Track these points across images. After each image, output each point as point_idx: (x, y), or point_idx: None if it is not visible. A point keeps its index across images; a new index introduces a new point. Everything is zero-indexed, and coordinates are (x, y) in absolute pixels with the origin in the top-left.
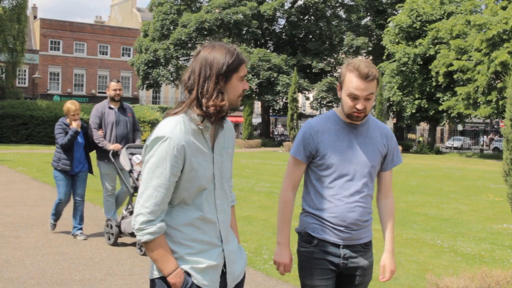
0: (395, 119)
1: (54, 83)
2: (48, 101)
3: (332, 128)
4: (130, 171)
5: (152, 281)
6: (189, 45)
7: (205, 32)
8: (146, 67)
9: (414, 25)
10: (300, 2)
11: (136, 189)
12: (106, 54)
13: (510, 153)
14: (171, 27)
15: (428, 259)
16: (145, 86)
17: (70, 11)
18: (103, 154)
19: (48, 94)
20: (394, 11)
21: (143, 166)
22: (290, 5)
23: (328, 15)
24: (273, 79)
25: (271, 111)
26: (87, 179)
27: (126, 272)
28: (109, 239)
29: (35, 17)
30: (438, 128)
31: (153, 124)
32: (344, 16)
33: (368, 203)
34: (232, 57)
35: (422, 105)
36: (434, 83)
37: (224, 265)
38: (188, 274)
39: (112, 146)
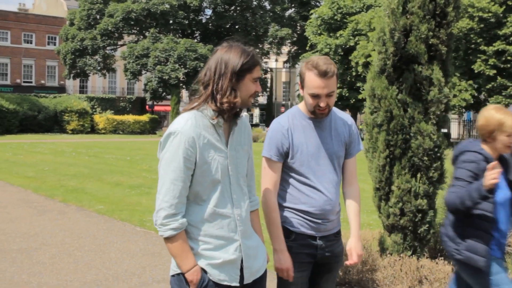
0: None
1: None
2: None
3: (299, 125)
4: None
5: (172, 277)
6: (116, 35)
7: (132, 22)
8: (73, 56)
9: (335, 17)
10: None
11: None
12: (31, 43)
13: (368, 134)
14: (98, 17)
15: None
16: (72, 75)
17: None
18: None
19: None
20: (317, 3)
21: (159, 163)
22: None
23: (253, 6)
24: (199, 69)
25: None
26: None
27: (58, 242)
28: None
29: None
30: (360, 116)
31: (80, 113)
32: (268, 7)
33: (338, 194)
34: (247, 57)
35: (344, 94)
36: (354, 73)
37: (242, 260)
38: (205, 271)
39: None
